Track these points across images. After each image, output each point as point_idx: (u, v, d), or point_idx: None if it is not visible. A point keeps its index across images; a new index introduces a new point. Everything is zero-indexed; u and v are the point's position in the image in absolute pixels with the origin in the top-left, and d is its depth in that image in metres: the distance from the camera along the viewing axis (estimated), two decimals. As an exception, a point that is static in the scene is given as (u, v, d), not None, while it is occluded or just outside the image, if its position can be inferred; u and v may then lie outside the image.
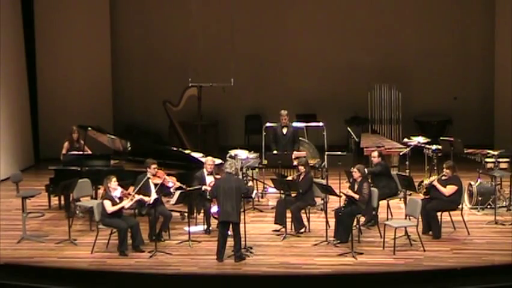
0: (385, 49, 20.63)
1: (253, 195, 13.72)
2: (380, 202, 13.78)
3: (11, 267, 11.95)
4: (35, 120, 19.77)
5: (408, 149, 16.35)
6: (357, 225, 13.38)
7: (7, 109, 18.17)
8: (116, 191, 13.04)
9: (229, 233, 12.60)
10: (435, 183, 13.57)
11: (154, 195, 13.45)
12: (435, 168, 15.83)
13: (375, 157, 14.44)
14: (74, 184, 14.09)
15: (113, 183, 13.03)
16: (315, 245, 13.16)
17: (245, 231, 12.67)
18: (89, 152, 15.84)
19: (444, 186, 13.49)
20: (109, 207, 12.86)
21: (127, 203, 12.98)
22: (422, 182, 15.04)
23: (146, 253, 12.82)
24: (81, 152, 15.51)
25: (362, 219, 13.60)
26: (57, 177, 15.18)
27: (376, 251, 12.86)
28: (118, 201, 12.97)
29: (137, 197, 13.26)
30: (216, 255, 12.50)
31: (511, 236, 13.37)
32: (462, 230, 13.63)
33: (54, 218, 15.04)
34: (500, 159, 15.15)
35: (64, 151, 15.94)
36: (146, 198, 13.37)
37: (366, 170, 13.81)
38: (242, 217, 12.55)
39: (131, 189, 13.44)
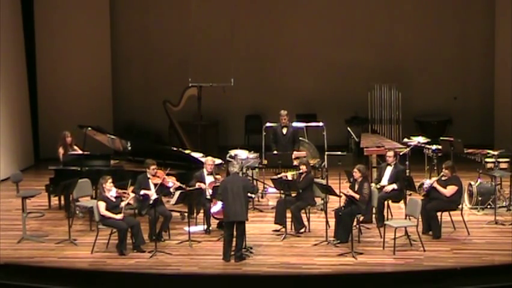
0: (385, 49, 20.63)
1: (253, 196, 13.70)
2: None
3: (11, 267, 11.96)
4: (35, 120, 19.75)
5: (408, 149, 16.34)
6: (357, 225, 13.38)
7: (7, 109, 18.16)
8: (112, 191, 13.04)
9: (230, 233, 12.61)
10: (435, 184, 13.55)
11: (154, 195, 13.46)
12: (435, 168, 15.82)
13: (390, 157, 14.34)
14: (74, 184, 14.08)
15: (108, 184, 13.02)
16: (315, 245, 13.15)
17: (245, 231, 12.66)
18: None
19: (444, 187, 13.48)
20: (103, 210, 12.85)
21: (119, 216, 12.91)
22: (423, 184, 15.04)
23: (146, 253, 12.82)
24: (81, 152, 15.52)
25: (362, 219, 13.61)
26: (57, 177, 15.18)
27: (376, 251, 12.85)
28: (114, 200, 12.98)
29: (132, 194, 13.29)
30: (222, 255, 12.44)
31: (511, 236, 13.37)
32: (462, 230, 13.63)
33: (54, 218, 15.03)
34: (500, 159, 15.14)
35: (60, 156, 15.78)
36: (150, 192, 13.40)
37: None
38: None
39: (131, 189, 13.46)
